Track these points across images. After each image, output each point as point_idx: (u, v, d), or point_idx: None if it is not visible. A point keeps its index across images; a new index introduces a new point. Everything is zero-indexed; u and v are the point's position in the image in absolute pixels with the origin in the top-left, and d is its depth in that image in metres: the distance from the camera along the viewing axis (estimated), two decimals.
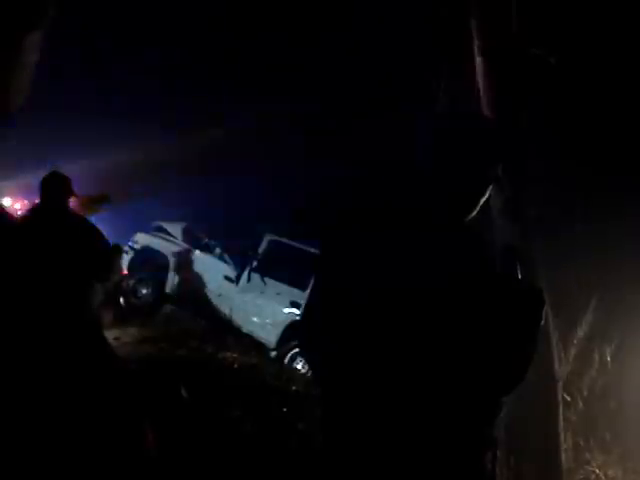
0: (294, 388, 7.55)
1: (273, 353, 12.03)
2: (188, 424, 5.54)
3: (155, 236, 13.16)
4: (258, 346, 11.80)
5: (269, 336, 12.11)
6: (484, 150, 2.28)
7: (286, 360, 11.74)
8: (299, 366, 11.71)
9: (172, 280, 12.67)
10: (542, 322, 2.24)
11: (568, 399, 7.31)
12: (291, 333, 11.88)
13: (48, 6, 3.36)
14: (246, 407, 6.36)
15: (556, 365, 7.06)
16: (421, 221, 2.21)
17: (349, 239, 2.25)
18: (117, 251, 5.72)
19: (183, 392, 6.21)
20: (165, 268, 12.66)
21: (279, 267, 12.33)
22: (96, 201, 8.94)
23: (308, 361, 2.50)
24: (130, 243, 12.93)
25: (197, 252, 12.85)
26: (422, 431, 2.11)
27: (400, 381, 2.11)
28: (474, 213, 2.29)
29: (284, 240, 12.40)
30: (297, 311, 11.93)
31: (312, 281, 2.46)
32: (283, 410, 6.67)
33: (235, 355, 8.47)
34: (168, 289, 12.67)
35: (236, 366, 7.72)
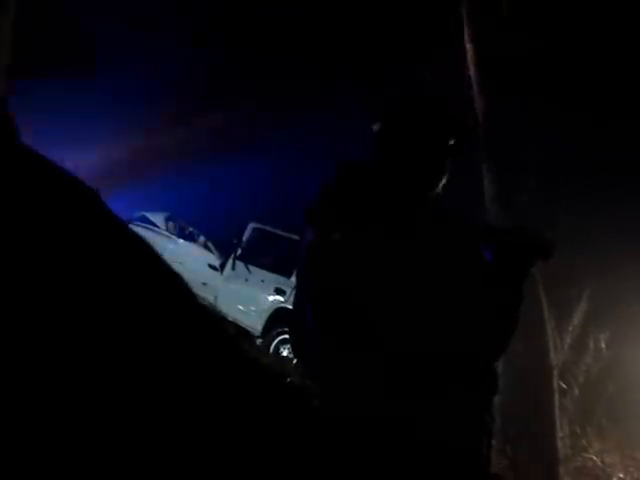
0: (289, 380, 7.48)
1: (259, 340, 12.01)
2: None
3: (138, 226, 13.00)
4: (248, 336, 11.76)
5: (254, 324, 12.08)
6: (434, 121, 2.32)
7: (272, 347, 11.76)
8: (285, 352, 11.73)
9: None
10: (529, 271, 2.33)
11: (564, 387, 7.36)
12: (276, 320, 11.91)
13: None
14: None
15: (551, 353, 7.10)
16: (394, 205, 2.24)
17: (331, 231, 2.24)
18: None
19: None
20: None
21: (263, 255, 12.32)
22: None
23: (299, 356, 2.51)
24: None
25: (181, 241, 12.74)
26: (422, 419, 2.11)
27: (398, 367, 2.11)
28: (437, 187, 2.31)
29: (268, 228, 12.37)
30: (281, 298, 11.96)
31: (298, 277, 2.45)
32: None
33: None
34: None
35: None
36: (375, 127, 2.36)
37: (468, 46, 7.62)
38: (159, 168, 14.25)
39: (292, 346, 2.72)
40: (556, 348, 7.24)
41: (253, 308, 12.18)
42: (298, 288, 2.39)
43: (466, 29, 7.63)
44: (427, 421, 2.11)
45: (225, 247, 12.59)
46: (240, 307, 12.20)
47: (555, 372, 7.06)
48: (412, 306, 2.12)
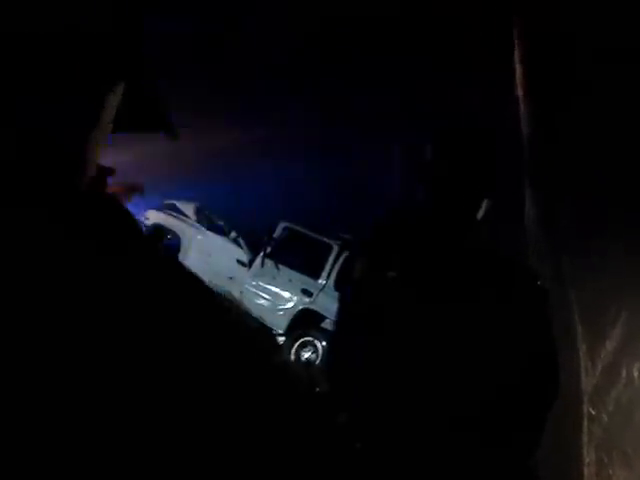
0: (317, 390, 7.49)
1: (282, 338, 12.10)
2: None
3: (167, 214, 13.04)
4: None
5: (279, 322, 12.18)
6: (479, 152, 2.33)
7: (294, 348, 11.86)
8: (307, 355, 11.83)
9: (183, 259, 12.61)
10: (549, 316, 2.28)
11: (592, 412, 7.34)
12: (301, 320, 12.03)
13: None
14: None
15: (582, 378, 7.10)
16: (436, 233, 2.29)
17: (383, 254, 2.30)
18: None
19: None
20: (177, 246, 12.62)
21: (292, 254, 12.36)
22: (128, 191, 8.80)
23: (336, 379, 2.54)
24: (141, 220, 12.79)
25: (210, 233, 12.80)
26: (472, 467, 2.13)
27: (443, 408, 2.13)
28: (479, 214, 2.31)
29: (298, 228, 12.41)
30: (308, 299, 12.04)
31: (345, 303, 2.48)
32: None
33: None
34: None
35: None
36: (426, 155, 2.36)
37: (517, 67, 7.62)
38: (202, 164, 14.31)
39: (330, 366, 2.74)
40: (587, 373, 7.24)
41: (278, 307, 12.26)
42: (344, 314, 2.41)
43: (516, 50, 7.63)
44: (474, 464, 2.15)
45: (258, 245, 12.63)
46: (265, 304, 12.28)
47: (585, 397, 7.07)
48: (459, 353, 2.14)
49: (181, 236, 12.73)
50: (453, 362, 2.14)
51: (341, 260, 12.06)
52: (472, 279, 2.21)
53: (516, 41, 7.63)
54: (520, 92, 7.66)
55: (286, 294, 12.30)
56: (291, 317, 12.15)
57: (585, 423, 7.00)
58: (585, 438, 6.95)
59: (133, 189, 7.95)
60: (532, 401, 2.19)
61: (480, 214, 2.30)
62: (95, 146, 0.72)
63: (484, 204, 2.31)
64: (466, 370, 2.13)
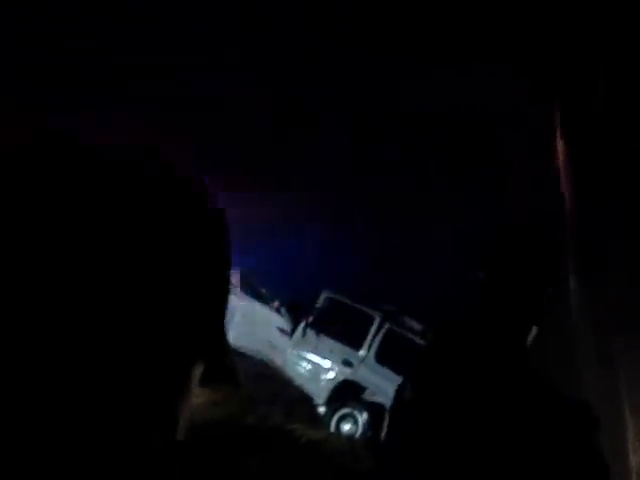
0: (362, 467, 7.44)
1: (322, 409, 12.08)
2: None
3: None
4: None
5: (319, 392, 12.18)
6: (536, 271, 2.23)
7: (334, 419, 11.83)
8: (347, 427, 11.79)
9: (227, 325, 12.73)
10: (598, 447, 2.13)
11: None
12: (341, 392, 12.04)
13: None
14: None
15: (631, 455, 7.00)
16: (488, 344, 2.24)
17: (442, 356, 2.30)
18: None
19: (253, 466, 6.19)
20: None
21: (334, 325, 12.44)
22: None
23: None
24: None
25: (253, 301, 12.92)
26: None
27: None
28: (528, 340, 2.25)
29: (341, 298, 12.49)
30: (349, 370, 12.08)
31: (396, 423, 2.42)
32: None
33: (304, 427, 8.36)
34: None
35: (303, 441, 7.58)
36: (479, 275, 2.29)
37: (559, 142, 7.74)
38: (247, 229, 14.46)
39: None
40: (635, 451, 7.13)
41: (319, 377, 12.29)
42: (395, 423, 2.38)
43: (558, 127, 7.76)
44: None
45: (300, 312, 12.74)
46: (306, 374, 12.32)
47: (634, 473, 6.95)
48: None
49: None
50: None
51: (383, 331, 12.12)
52: (521, 414, 2.14)
53: (558, 118, 7.78)
54: (562, 167, 7.77)
55: (327, 364, 12.33)
56: (331, 388, 12.15)
57: None
58: None
59: None
60: None
61: (529, 340, 2.25)
62: (185, 412, 0.79)
63: (533, 330, 2.25)
64: None
